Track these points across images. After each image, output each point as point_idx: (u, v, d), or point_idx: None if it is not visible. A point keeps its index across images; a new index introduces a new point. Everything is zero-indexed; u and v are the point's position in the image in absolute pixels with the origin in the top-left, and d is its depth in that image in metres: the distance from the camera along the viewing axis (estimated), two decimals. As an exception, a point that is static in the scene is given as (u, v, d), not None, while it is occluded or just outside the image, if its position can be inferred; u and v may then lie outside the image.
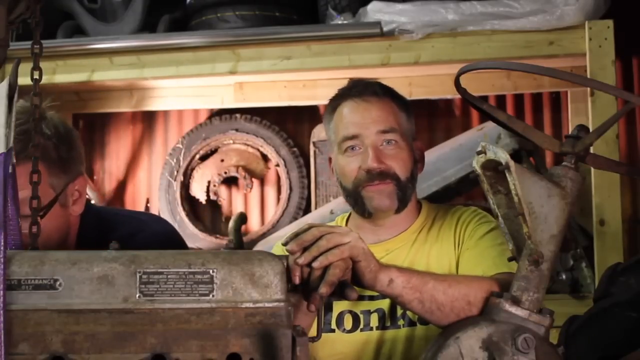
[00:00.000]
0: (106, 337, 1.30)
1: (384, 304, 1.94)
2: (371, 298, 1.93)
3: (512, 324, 1.53)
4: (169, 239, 2.12)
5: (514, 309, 1.55)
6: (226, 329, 1.32)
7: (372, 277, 1.55)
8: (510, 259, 1.66)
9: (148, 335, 1.31)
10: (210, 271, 1.33)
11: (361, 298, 1.92)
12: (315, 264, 1.47)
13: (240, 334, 1.32)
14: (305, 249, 1.50)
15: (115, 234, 1.98)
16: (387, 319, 1.93)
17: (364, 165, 1.93)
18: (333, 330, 1.96)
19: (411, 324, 1.92)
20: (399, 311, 1.93)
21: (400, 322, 1.93)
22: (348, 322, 1.95)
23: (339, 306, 1.96)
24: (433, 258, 1.96)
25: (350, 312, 1.95)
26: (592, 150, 1.79)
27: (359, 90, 1.99)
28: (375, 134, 1.93)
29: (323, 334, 1.78)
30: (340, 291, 1.51)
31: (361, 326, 1.94)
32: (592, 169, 2.80)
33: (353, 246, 1.52)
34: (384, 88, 2.01)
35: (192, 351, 1.31)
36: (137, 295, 1.31)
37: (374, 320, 1.93)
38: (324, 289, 1.46)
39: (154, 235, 2.08)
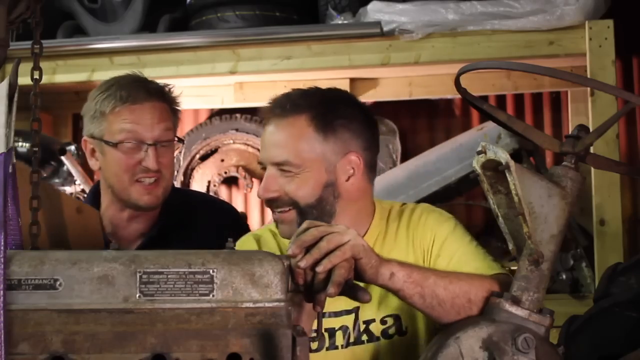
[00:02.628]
0: (106, 337, 1.30)
1: (348, 320, 1.89)
2: (336, 315, 1.89)
3: (512, 324, 1.53)
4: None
5: (514, 309, 1.55)
6: (226, 329, 1.32)
7: (374, 272, 1.56)
8: (510, 259, 1.66)
9: (148, 335, 1.31)
10: (210, 271, 1.33)
11: (324, 315, 1.80)
12: (319, 269, 1.47)
13: (240, 334, 1.32)
14: (307, 250, 1.49)
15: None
16: (352, 336, 1.89)
17: (258, 193, 1.90)
18: (325, 349, 1.89)
19: (373, 339, 1.89)
20: (362, 326, 1.89)
21: (364, 337, 1.89)
22: (313, 342, 1.85)
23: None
24: None
25: (315, 331, 1.83)
26: (592, 150, 1.79)
27: (275, 109, 1.89)
28: (271, 164, 1.87)
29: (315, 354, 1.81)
30: (351, 293, 1.51)
31: (327, 345, 1.88)
32: (592, 169, 2.80)
33: (353, 244, 1.52)
34: (300, 105, 1.87)
35: (192, 351, 1.31)
36: (137, 295, 1.31)
37: (339, 338, 1.88)
38: (332, 290, 1.46)
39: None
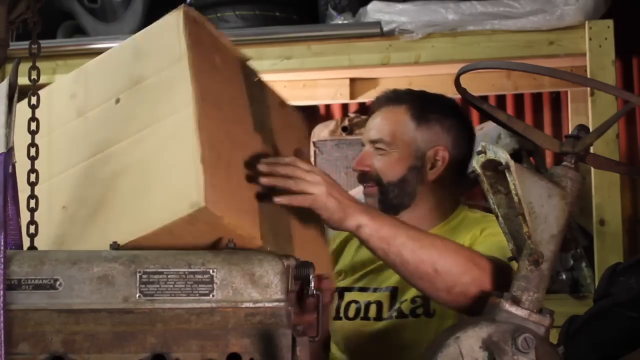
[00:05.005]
0: (106, 337, 1.30)
1: (383, 296, 2.03)
2: (375, 290, 2.07)
3: (512, 324, 1.53)
4: None
5: (514, 309, 1.55)
6: (226, 329, 1.32)
7: (337, 225, 1.64)
8: (510, 259, 1.66)
9: (148, 335, 1.31)
10: (210, 271, 1.33)
11: (366, 290, 2.06)
12: (276, 199, 1.55)
13: (240, 334, 1.32)
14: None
15: None
16: (385, 311, 2.02)
17: (352, 166, 2.13)
18: (340, 318, 2.08)
19: (402, 316, 1.99)
20: (397, 305, 2.00)
21: (394, 314, 2.00)
22: (352, 311, 2.07)
23: (348, 296, 2.09)
24: None
25: (356, 302, 2.07)
26: (592, 150, 1.79)
27: (380, 100, 2.16)
28: (368, 142, 2.11)
29: (333, 322, 2.03)
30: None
31: (361, 315, 2.05)
32: (592, 169, 2.80)
33: (314, 200, 1.59)
34: (402, 97, 2.13)
35: (192, 351, 1.31)
36: (137, 295, 1.31)
37: (372, 311, 2.03)
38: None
39: None
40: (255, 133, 1.59)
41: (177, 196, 1.38)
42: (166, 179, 1.42)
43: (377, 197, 2.05)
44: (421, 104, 2.12)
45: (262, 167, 1.55)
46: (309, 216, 1.65)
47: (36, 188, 1.50)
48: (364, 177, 2.09)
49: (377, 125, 2.10)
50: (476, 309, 1.61)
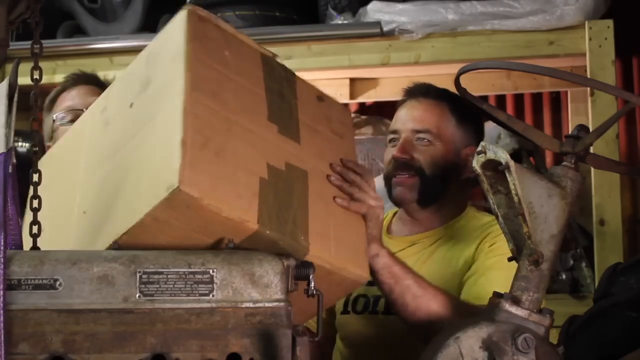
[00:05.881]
0: (106, 337, 1.30)
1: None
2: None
3: (512, 324, 1.53)
4: None
5: (514, 309, 1.55)
6: (226, 329, 1.32)
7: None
8: (510, 259, 1.66)
9: (148, 335, 1.31)
10: (210, 271, 1.33)
11: (373, 284, 2.03)
12: (337, 200, 1.66)
13: (240, 334, 1.32)
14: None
15: None
16: (382, 305, 2.04)
17: (394, 154, 2.08)
18: (348, 312, 2.09)
19: None
20: None
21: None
22: (360, 304, 2.09)
23: (356, 290, 2.08)
24: (441, 261, 2.01)
25: (364, 296, 2.08)
26: (592, 150, 1.79)
27: (417, 91, 2.14)
28: (410, 131, 2.06)
29: (340, 316, 2.08)
30: None
31: (370, 309, 2.06)
32: (592, 169, 2.80)
33: (371, 207, 1.69)
34: (442, 92, 2.13)
35: (192, 351, 1.31)
36: (137, 295, 1.31)
37: (381, 305, 2.04)
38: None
39: None
40: (269, 123, 1.60)
41: (157, 181, 1.38)
42: (153, 168, 1.43)
43: (417, 188, 2.03)
44: (460, 104, 2.09)
45: (337, 168, 1.68)
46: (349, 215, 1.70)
47: (69, 196, 1.57)
48: (405, 166, 2.04)
49: (422, 116, 2.07)
50: None
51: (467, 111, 2.10)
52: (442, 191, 2.06)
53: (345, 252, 1.61)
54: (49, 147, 2.29)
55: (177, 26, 1.55)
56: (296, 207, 1.54)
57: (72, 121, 2.21)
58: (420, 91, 2.13)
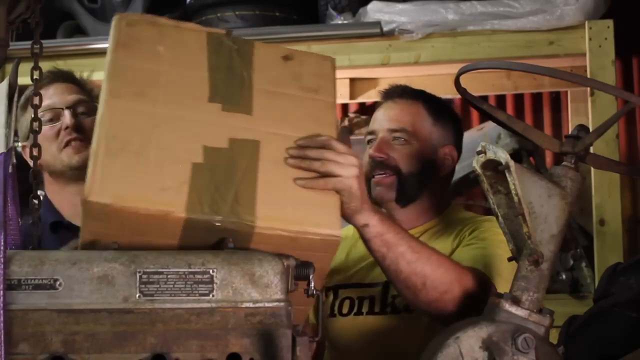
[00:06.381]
0: (106, 337, 1.30)
1: (376, 291, 2.05)
2: (368, 285, 2.06)
3: (512, 324, 1.53)
4: None
5: (514, 309, 1.55)
6: (226, 329, 1.32)
7: (350, 214, 1.63)
8: (510, 259, 1.66)
9: (148, 335, 1.31)
10: (210, 271, 1.33)
11: (359, 285, 2.07)
12: (298, 182, 1.53)
13: (240, 334, 1.32)
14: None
15: None
16: (376, 305, 2.03)
17: (370, 153, 2.07)
18: (334, 315, 2.09)
19: (396, 311, 2.01)
20: (389, 299, 2.02)
21: (388, 309, 2.02)
22: (346, 307, 2.09)
23: (342, 293, 2.10)
24: None
25: (350, 298, 2.08)
26: (592, 150, 1.79)
27: (393, 93, 2.16)
28: (386, 131, 2.08)
29: (327, 319, 2.08)
30: None
31: (355, 310, 2.07)
32: (592, 169, 2.80)
33: (339, 181, 1.56)
34: (418, 93, 2.16)
35: (192, 351, 1.31)
36: (137, 295, 1.31)
37: (365, 306, 2.04)
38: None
39: None
40: (211, 104, 1.59)
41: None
42: None
43: (395, 187, 2.04)
44: (435, 103, 2.15)
45: (291, 151, 1.55)
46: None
47: None
48: (381, 165, 2.05)
49: (397, 116, 2.10)
50: (450, 321, 1.64)
51: (444, 110, 2.15)
52: (420, 189, 2.07)
53: (308, 213, 1.53)
54: (24, 147, 2.26)
55: (109, 37, 1.65)
56: (239, 182, 1.51)
57: (52, 120, 2.19)
58: (396, 92, 2.15)
